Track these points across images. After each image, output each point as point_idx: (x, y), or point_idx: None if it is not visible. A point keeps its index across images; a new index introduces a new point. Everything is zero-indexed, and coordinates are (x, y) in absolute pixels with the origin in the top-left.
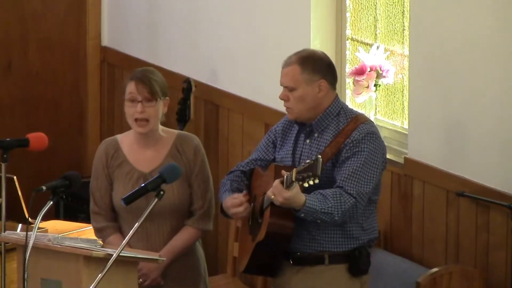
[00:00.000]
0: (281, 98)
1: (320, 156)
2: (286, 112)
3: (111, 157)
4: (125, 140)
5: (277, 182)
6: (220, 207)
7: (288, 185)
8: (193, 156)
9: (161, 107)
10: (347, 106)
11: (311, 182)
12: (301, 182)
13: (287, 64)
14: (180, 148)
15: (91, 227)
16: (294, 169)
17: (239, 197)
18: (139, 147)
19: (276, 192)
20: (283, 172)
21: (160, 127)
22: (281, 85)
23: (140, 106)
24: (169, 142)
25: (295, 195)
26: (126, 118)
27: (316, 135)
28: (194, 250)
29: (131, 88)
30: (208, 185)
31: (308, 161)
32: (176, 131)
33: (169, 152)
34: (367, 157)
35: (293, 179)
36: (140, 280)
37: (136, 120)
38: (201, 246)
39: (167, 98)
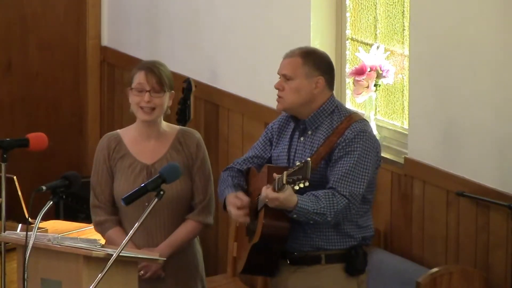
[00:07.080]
0: (276, 87)
1: (309, 159)
2: (276, 102)
3: (113, 150)
4: (127, 134)
5: (268, 185)
6: (223, 204)
7: (279, 187)
8: (195, 150)
9: (167, 100)
10: (342, 105)
11: (301, 185)
12: (292, 185)
13: (289, 55)
14: (182, 141)
15: (91, 227)
16: (285, 172)
17: (243, 199)
18: (142, 138)
19: (268, 194)
20: (275, 175)
21: (163, 122)
22: (278, 73)
23: (147, 95)
24: (172, 135)
25: (287, 197)
26: (131, 107)
27: (309, 132)
28: (192, 246)
29: (140, 77)
30: (209, 179)
31: (298, 163)
32: (178, 126)
33: (172, 144)
34: (359, 156)
35: (284, 181)
36: (141, 272)
37: (141, 108)
38: (199, 244)
39: (173, 92)
